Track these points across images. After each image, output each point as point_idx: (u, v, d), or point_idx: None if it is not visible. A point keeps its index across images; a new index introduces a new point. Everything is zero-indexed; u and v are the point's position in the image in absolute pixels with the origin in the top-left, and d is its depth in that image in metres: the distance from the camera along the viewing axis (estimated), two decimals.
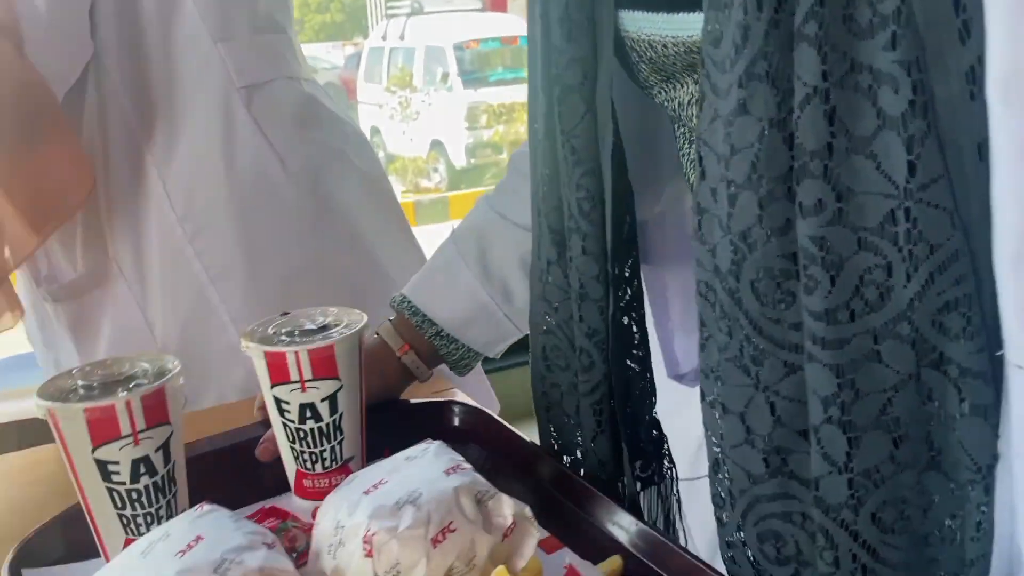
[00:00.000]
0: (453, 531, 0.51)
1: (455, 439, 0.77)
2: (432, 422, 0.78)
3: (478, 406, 0.79)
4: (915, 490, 0.46)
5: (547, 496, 0.68)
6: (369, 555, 0.49)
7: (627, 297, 0.65)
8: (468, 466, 0.56)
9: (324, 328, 0.66)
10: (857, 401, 0.45)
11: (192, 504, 0.63)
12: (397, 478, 0.54)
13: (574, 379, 0.68)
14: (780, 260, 0.46)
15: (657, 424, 0.68)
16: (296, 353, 0.62)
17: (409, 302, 0.80)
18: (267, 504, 0.68)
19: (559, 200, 0.65)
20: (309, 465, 0.66)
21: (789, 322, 0.47)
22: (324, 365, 0.63)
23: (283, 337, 0.65)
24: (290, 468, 0.68)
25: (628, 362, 0.66)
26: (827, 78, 0.42)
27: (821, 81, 0.42)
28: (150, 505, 0.58)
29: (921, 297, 0.43)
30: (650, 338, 0.67)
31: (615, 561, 0.56)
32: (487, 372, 1.13)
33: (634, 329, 0.66)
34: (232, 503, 0.68)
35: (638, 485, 0.67)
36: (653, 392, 0.67)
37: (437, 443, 0.58)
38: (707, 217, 0.50)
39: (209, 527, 0.50)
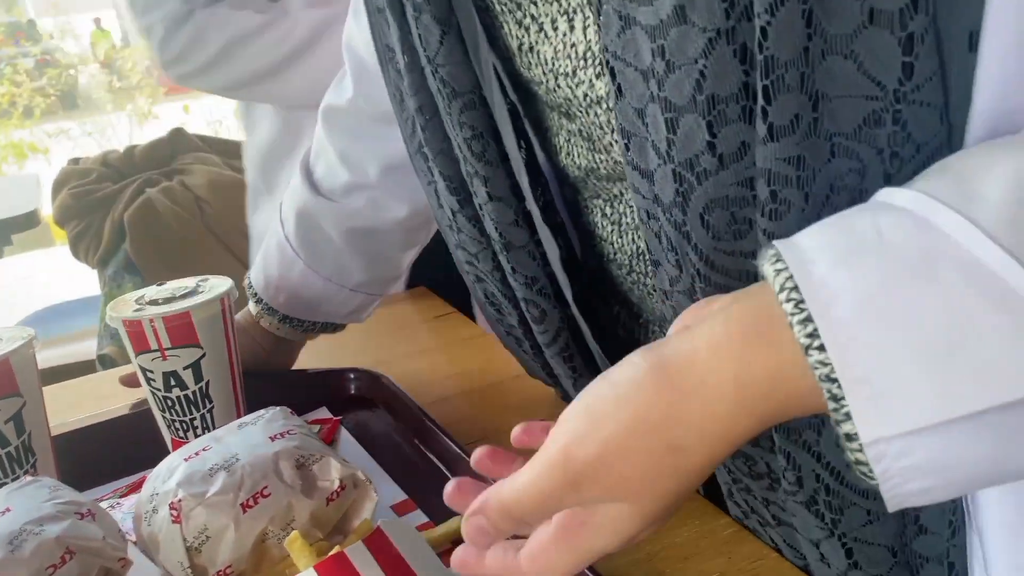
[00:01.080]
0: (267, 496, 0.50)
1: (353, 406, 0.77)
2: (328, 389, 0.77)
3: (377, 372, 0.78)
4: None
5: (428, 462, 0.66)
6: (176, 521, 0.48)
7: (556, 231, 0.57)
8: (301, 431, 0.55)
9: (191, 295, 0.65)
10: None
11: (59, 474, 0.63)
12: (222, 445, 0.53)
13: (523, 327, 0.63)
14: (735, 188, 0.41)
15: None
16: (151, 320, 0.62)
17: (253, 289, 0.79)
18: (148, 472, 0.68)
19: (445, 142, 0.57)
20: (182, 434, 0.66)
21: (744, 251, 0.42)
22: (182, 332, 0.62)
23: (147, 306, 0.64)
24: (167, 438, 0.67)
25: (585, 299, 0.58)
26: None
27: None
28: (4, 476, 0.59)
29: None
30: None
31: (454, 523, 0.54)
32: None
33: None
34: (116, 473, 0.69)
35: None
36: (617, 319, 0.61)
37: (276, 409, 0.58)
38: (635, 141, 0.44)
39: (22, 499, 0.50)
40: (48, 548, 0.46)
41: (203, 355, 0.64)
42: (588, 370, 0.61)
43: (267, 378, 0.76)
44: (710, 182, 0.41)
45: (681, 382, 0.34)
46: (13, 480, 0.59)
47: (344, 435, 0.71)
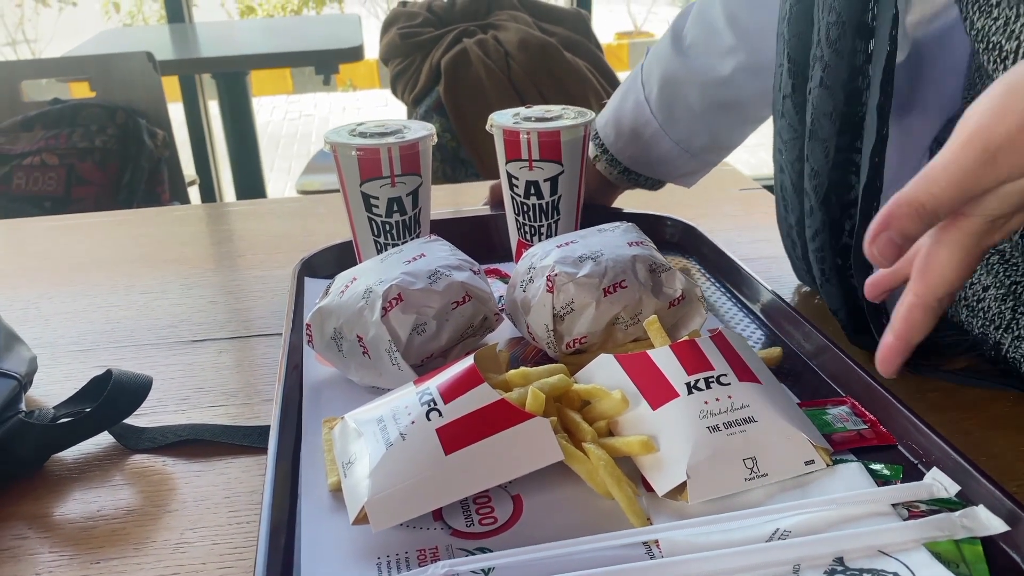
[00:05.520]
0: (624, 287, 0.58)
1: (665, 251, 0.84)
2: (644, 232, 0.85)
3: (689, 222, 0.84)
4: None
5: (739, 303, 0.73)
6: (550, 291, 0.58)
7: (856, 143, 0.59)
8: (652, 245, 0.63)
9: (557, 118, 0.74)
10: None
11: None
12: (586, 241, 0.62)
13: (800, 227, 0.67)
14: None
15: None
16: (527, 133, 0.71)
17: (599, 139, 0.85)
18: (493, 266, 0.80)
19: (807, 25, 0.61)
20: (528, 237, 0.77)
21: None
22: (549, 148, 0.72)
23: (522, 122, 0.74)
24: (513, 239, 0.79)
25: (851, 211, 0.60)
26: None
27: None
28: (398, 238, 0.72)
29: None
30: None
31: (775, 351, 0.61)
32: None
33: (853, 180, 0.59)
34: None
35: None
36: None
37: (630, 223, 0.66)
38: None
39: (432, 249, 0.62)
40: (455, 288, 0.59)
41: (562, 172, 0.73)
42: (836, 278, 0.64)
43: (594, 210, 0.85)
44: None
45: None
46: (402, 243, 0.73)
47: None
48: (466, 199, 0.97)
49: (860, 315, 0.65)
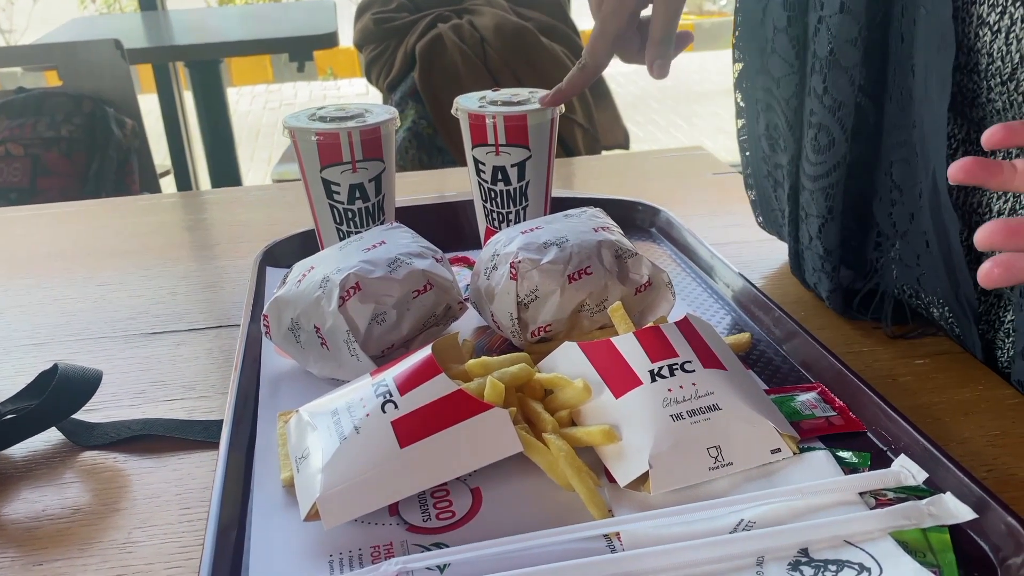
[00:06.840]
0: (589, 274, 0.57)
1: (635, 235, 0.83)
2: (613, 217, 0.84)
3: (659, 207, 0.83)
4: None
5: (704, 284, 0.72)
6: (514, 278, 0.57)
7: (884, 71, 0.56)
8: (618, 230, 0.62)
9: (524, 102, 0.72)
10: None
11: None
12: (552, 227, 0.60)
13: (793, 165, 0.64)
14: None
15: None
16: (493, 117, 0.70)
17: None
18: (461, 253, 0.79)
19: None
20: (496, 224, 0.75)
21: None
22: (516, 133, 0.70)
23: (488, 105, 0.72)
24: (481, 226, 0.77)
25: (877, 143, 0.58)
26: None
27: None
28: (362, 225, 0.70)
29: None
30: None
31: (744, 337, 0.59)
32: None
33: (885, 107, 0.57)
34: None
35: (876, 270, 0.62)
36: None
37: (596, 208, 0.64)
38: None
39: (393, 236, 0.61)
40: (416, 276, 0.57)
41: (529, 157, 0.71)
42: (840, 217, 0.61)
43: (563, 197, 0.83)
44: None
45: None
46: (365, 231, 0.71)
47: None
48: (450, 185, 0.95)
49: (858, 252, 0.63)
